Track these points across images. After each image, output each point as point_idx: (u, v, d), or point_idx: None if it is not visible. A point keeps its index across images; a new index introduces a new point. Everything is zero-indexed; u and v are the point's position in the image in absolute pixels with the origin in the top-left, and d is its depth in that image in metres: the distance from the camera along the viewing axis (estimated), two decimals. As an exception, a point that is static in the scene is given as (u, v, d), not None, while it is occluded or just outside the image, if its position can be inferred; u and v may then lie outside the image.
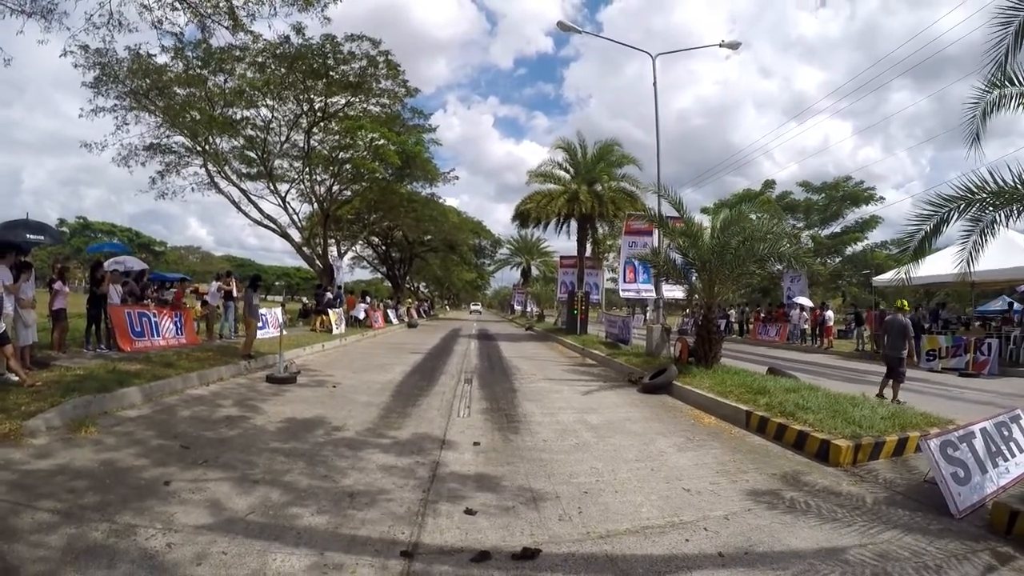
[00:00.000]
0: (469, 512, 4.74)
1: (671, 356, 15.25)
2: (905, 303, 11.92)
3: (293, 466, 5.80)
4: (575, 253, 33.98)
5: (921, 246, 7.16)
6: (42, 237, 10.22)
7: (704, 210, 15.84)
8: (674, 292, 19.42)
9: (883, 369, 11.30)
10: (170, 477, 5.22)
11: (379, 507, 4.79)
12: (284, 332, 14.48)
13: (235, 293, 17.51)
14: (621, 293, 23.66)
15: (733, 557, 4.08)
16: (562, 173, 32.49)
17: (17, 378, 8.02)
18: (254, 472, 5.54)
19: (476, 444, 7.07)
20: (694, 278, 14.51)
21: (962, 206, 6.63)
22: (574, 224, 32.62)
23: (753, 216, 14.47)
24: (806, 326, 28.00)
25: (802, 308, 28.34)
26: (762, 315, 32.48)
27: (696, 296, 15.01)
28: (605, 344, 21.51)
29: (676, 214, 14.48)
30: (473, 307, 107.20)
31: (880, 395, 10.69)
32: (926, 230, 7.00)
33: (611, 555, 4.06)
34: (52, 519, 4.17)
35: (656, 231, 18.94)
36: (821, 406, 8.21)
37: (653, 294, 20.64)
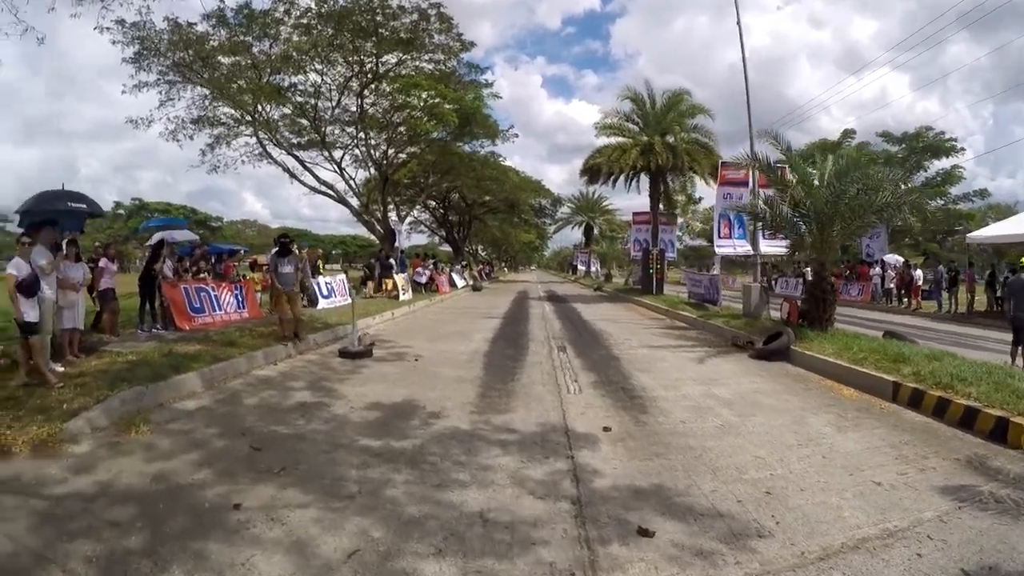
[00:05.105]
0: (643, 533, 3.67)
1: (779, 318, 13.74)
2: None
3: (393, 475, 4.56)
4: (643, 209, 32.51)
5: None
6: (84, 205, 9.22)
7: (787, 160, 14.00)
8: (773, 248, 17.74)
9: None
10: (240, 496, 4.08)
11: (524, 544, 3.56)
12: (355, 300, 13.25)
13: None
14: (716, 249, 22.01)
15: None
16: (631, 125, 30.62)
17: (42, 376, 6.78)
18: (345, 487, 4.32)
19: (607, 430, 5.93)
20: (803, 231, 12.97)
21: None
22: (643, 179, 30.94)
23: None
24: (891, 285, 26.06)
25: (884, 266, 26.28)
26: (845, 273, 30.12)
27: (802, 251, 13.44)
28: (689, 305, 20.13)
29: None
30: (532, 268, 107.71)
31: (1013, 364, 9.26)
32: None
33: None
34: (85, 573, 3.12)
35: (751, 180, 17.18)
36: (979, 377, 7.10)
37: (749, 250, 18.93)
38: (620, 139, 30.20)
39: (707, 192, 67.48)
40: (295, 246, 11.98)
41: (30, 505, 3.94)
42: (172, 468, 4.62)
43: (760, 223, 15.07)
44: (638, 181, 31.33)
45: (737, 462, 5.02)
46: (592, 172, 31.44)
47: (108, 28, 18.52)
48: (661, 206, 31.65)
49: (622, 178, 30.81)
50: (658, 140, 28.09)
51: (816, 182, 12.42)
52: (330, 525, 3.69)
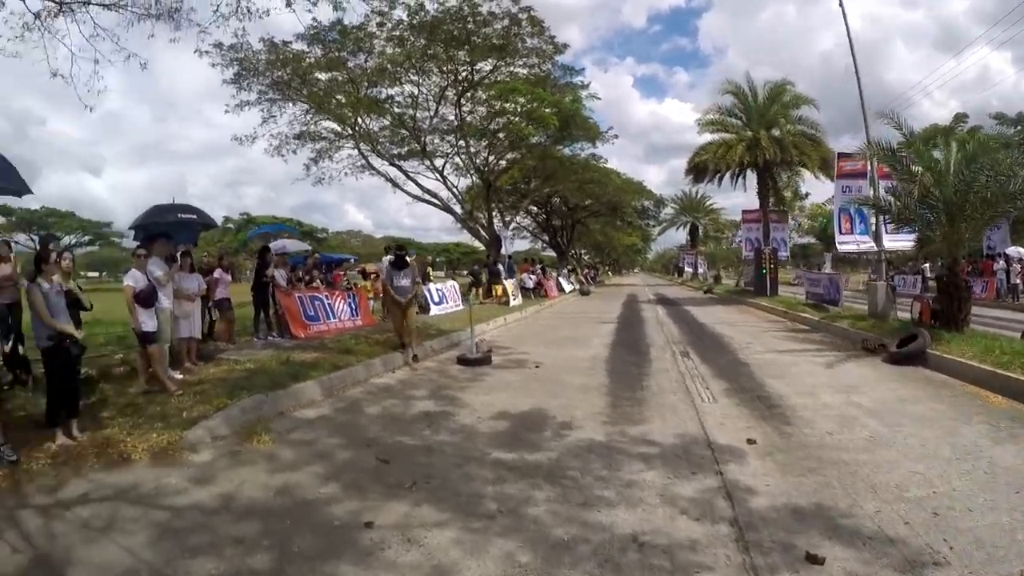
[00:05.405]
0: (813, 560, 3.20)
1: (909, 319, 12.61)
2: None
3: (532, 492, 4.14)
4: (748, 207, 31.48)
5: None
6: (194, 216, 9.45)
7: (910, 145, 12.47)
8: (897, 243, 16.38)
9: None
10: (371, 514, 3.78)
11: (685, 572, 3.14)
12: (471, 305, 12.91)
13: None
14: (838, 246, 20.47)
15: None
16: (734, 120, 29.47)
17: (161, 384, 6.88)
18: (483, 504, 3.95)
19: (751, 443, 5.38)
20: (932, 223, 11.91)
21: None
22: (750, 176, 29.79)
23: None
24: (1017, 280, 23.82)
25: (1008, 260, 24.06)
26: (968, 268, 27.62)
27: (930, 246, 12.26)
28: (808, 306, 19.00)
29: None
30: (635, 271, 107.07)
31: None
32: None
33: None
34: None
35: (869, 170, 15.87)
36: None
37: (872, 246, 17.53)
38: (724, 135, 29.19)
39: (815, 187, 64.18)
40: (410, 257, 11.71)
41: (150, 516, 3.81)
42: (297, 481, 4.39)
43: (885, 216, 13.89)
44: (744, 178, 30.25)
45: (895, 479, 4.52)
46: (697, 170, 30.42)
47: (207, 52, 19.27)
48: (770, 202, 30.30)
49: (728, 176, 29.82)
50: (764, 134, 26.85)
51: (943, 169, 11.40)
52: (472, 548, 3.32)
